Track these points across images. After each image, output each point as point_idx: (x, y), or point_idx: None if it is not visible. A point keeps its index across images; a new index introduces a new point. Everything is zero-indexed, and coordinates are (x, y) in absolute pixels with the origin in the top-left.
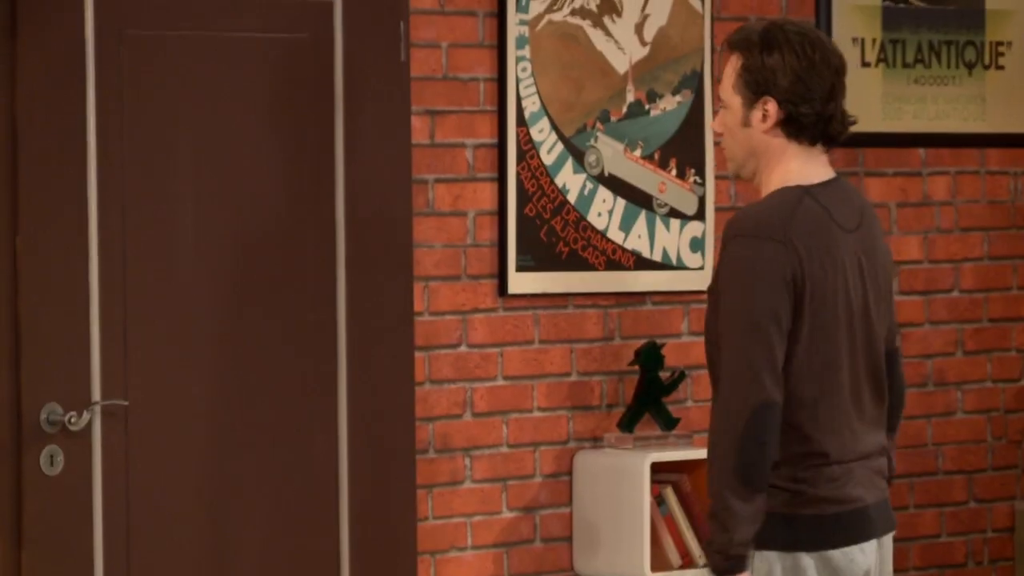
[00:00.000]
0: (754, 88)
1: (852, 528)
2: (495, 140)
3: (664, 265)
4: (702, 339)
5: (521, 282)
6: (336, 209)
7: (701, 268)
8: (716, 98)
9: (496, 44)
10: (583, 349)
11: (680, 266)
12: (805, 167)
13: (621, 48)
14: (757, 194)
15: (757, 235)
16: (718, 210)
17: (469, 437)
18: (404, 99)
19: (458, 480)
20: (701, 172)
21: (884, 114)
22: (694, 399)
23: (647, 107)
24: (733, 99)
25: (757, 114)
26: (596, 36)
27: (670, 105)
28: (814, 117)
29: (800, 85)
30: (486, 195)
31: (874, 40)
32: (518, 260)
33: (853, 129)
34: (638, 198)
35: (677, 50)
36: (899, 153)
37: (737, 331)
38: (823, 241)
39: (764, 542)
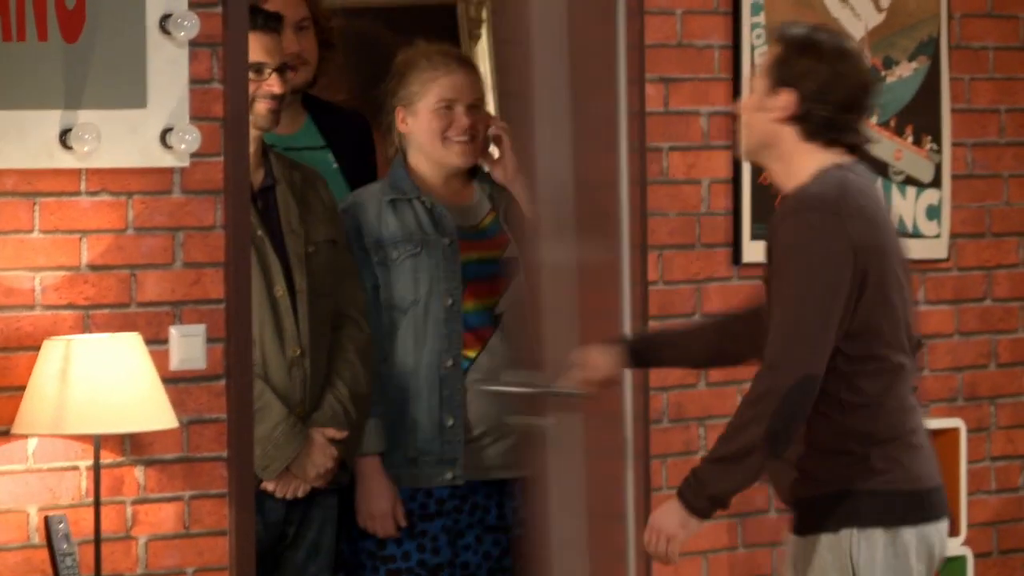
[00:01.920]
0: (780, 78)
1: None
2: (729, 108)
3: (900, 233)
4: (940, 308)
5: (755, 251)
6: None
7: (938, 236)
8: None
9: (731, 11)
10: None
11: (917, 234)
12: (827, 161)
13: (857, 14)
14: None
15: (814, 209)
16: (955, 178)
17: (703, 407)
18: (638, 66)
19: (692, 450)
20: (938, 139)
21: None
22: (930, 368)
23: (883, 73)
24: (760, 82)
25: (775, 102)
26: (832, 2)
27: (906, 72)
28: (827, 121)
29: (823, 88)
30: (720, 163)
31: None
32: (753, 229)
33: None
34: (874, 165)
35: (913, 16)
36: None
37: (797, 299)
38: (874, 207)
39: (870, 520)
